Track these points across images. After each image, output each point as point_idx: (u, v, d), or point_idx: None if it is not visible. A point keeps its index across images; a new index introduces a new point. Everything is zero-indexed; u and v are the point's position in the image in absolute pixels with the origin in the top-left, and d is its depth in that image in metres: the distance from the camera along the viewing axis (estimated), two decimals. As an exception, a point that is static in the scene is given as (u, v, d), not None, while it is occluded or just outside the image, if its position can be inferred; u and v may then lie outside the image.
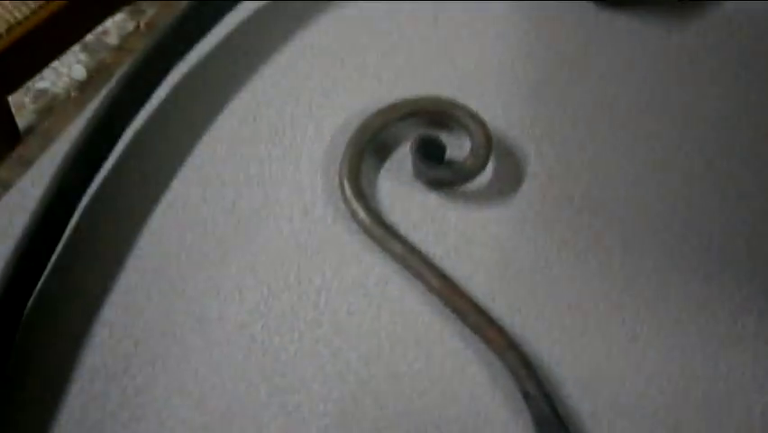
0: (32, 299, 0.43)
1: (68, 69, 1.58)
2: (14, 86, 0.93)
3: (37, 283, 0.43)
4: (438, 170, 0.45)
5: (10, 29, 0.89)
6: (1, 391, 0.40)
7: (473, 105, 0.47)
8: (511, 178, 0.46)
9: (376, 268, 0.44)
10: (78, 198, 0.45)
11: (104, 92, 0.50)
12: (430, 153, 0.45)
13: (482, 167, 0.45)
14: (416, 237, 0.44)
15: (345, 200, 0.45)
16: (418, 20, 0.52)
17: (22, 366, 0.41)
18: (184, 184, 0.46)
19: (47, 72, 1.64)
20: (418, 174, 0.46)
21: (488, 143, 0.45)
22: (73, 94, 0.52)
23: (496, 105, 0.49)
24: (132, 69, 0.47)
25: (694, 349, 0.42)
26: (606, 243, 0.45)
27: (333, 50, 0.51)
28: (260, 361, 0.42)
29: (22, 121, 1.50)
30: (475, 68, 0.50)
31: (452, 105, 0.47)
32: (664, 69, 0.50)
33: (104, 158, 0.46)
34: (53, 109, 1.49)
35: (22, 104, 1.53)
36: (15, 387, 0.41)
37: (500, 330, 0.41)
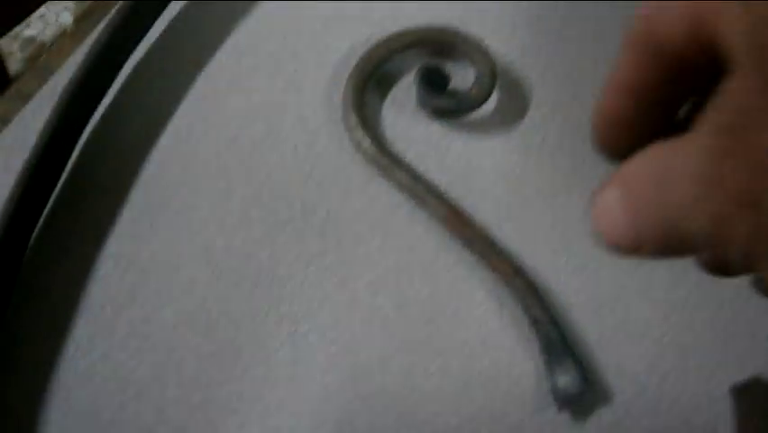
0: (35, 233, 0.42)
1: (56, 16, 1.56)
2: (2, 31, 0.92)
3: (39, 217, 0.43)
4: (442, 99, 0.45)
5: (-1, -29, 0.88)
6: (6, 325, 0.40)
7: (476, 33, 0.47)
8: (516, 106, 0.46)
9: (381, 197, 0.44)
10: (80, 132, 0.44)
11: (102, 24, 0.49)
12: (434, 83, 0.45)
13: (487, 96, 0.45)
14: (421, 166, 0.44)
15: (349, 130, 0.45)
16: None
17: (28, 300, 0.41)
18: (186, 116, 0.46)
19: (34, 20, 1.63)
20: (422, 104, 0.45)
21: (492, 72, 0.45)
22: (69, 29, 0.51)
23: (500, 33, 0.48)
24: (131, 1, 0.46)
25: (701, 275, 0.42)
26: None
27: None
28: (267, 290, 0.42)
29: (11, 68, 1.49)
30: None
31: (457, 34, 0.46)
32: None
33: (104, 90, 0.45)
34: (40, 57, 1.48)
35: (11, 51, 1.51)
36: (21, 321, 0.41)
37: (507, 258, 0.41)
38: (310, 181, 0.44)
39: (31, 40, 1.56)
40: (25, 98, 0.49)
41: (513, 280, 0.41)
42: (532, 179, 0.44)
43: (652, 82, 0.26)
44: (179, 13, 0.49)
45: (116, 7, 0.48)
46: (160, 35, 0.48)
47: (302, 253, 0.42)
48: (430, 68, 0.45)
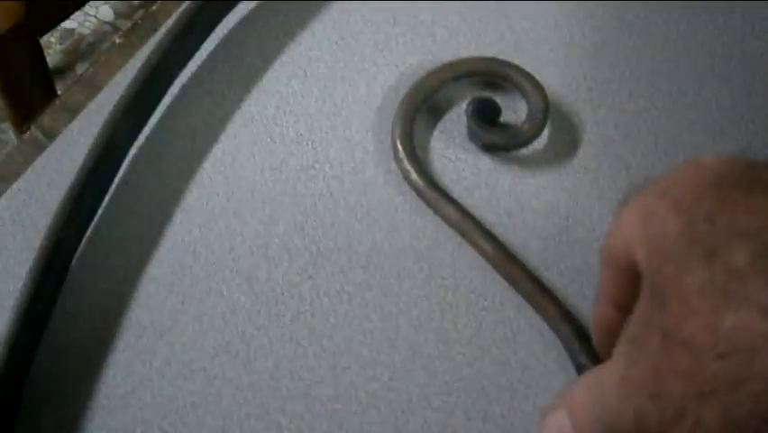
0: (77, 253, 0.42)
1: (96, 10, 1.56)
2: (48, 26, 0.92)
3: (83, 238, 0.42)
4: (494, 134, 0.44)
5: (44, -31, 0.88)
6: (46, 344, 0.40)
7: (529, 66, 0.46)
8: (567, 142, 0.45)
9: (428, 231, 0.43)
10: (126, 151, 0.44)
11: (152, 41, 0.49)
12: (485, 116, 0.44)
13: (539, 132, 0.44)
14: (469, 201, 0.44)
15: (398, 161, 0.44)
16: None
17: (68, 321, 0.41)
18: (232, 139, 0.45)
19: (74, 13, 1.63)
20: (473, 137, 0.45)
21: (545, 108, 0.44)
22: (118, 41, 0.51)
23: (552, 67, 0.47)
24: (182, 20, 0.45)
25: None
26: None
27: (386, 7, 0.50)
28: (308, 322, 0.41)
29: (50, 60, 1.49)
30: (532, 28, 0.49)
31: (510, 66, 0.45)
32: (728, 38, 0.49)
33: (152, 110, 0.45)
34: (79, 50, 1.48)
35: (49, 44, 1.51)
36: (61, 342, 0.40)
37: (554, 300, 0.41)
38: (356, 212, 0.43)
39: (70, 32, 1.56)
40: (70, 112, 0.48)
41: (560, 323, 0.40)
42: (581, 220, 0.43)
43: (626, 293, 0.30)
44: (228, 35, 0.49)
45: (165, 27, 0.48)
46: (209, 55, 0.48)
47: (345, 285, 0.42)
48: (481, 100, 0.45)
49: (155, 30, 0.51)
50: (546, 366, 0.40)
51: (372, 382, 0.40)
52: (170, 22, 0.49)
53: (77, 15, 1.54)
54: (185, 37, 0.46)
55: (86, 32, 1.50)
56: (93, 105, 0.47)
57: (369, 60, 0.48)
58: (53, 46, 1.49)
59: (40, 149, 0.47)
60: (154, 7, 0.53)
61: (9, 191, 0.44)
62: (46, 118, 0.49)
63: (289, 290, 0.42)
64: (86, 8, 1.54)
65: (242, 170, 0.45)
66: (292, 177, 0.44)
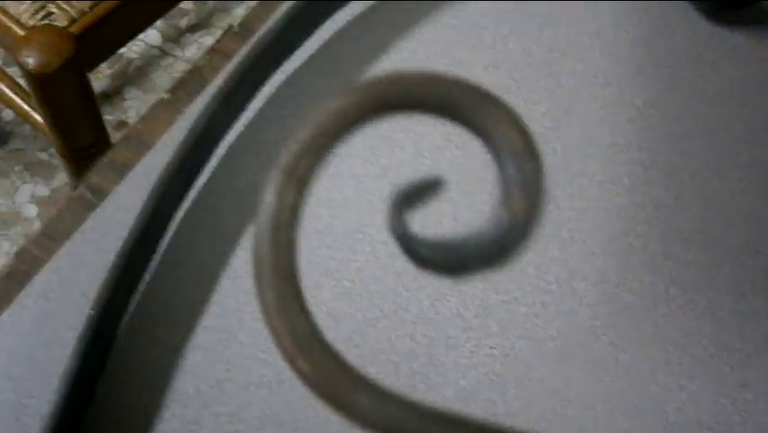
0: (125, 319, 0.42)
1: (144, 33, 1.58)
2: (96, 63, 0.93)
3: (129, 305, 0.42)
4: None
5: (94, 5, 0.89)
6: (93, 414, 0.40)
7: (576, 127, 0.45)
8: (616, 208, 0.44)
9: (476, 300, 0.42)
10: (173, 216, 0.44)
11: (199, 100, 0.49)
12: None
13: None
14: (518, 266, 0.43)
15: (445, 226, 0.43)
16: (523, 24, 0.50)
17: (113, 388, 0.41)
18: (279, 201, 0.45)
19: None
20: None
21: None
22: (165, 96, 0.51)
23: (602, 126, 0.47)
24: (228, 82, 0.45)
25: (808, 401, 0.40)
26: (716, 281, 0.43)
27: (434, 62, 0.49)
28: (354, 392, 0.41)
29: (97, 85, 1.51)
30: (581, 87, 0.48)
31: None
32: (782, 93, 0.48)
33: (198, 173, 0.45)
34: (127, 74, 1.50)
35: (97, 69, 1.53)
36: (107, 409, 0.40)
37: (604, 373, 0.40)
38: (402, 278, 0.43)
39: (118, 56, 1.58)
40: (118, 169, 0.49)
41: (610, 398, 0.39)
42: (632, 288, 0.42)
43: None
44: (274, 94, 0.48)
45: (212, 86, 0.48)
46: (256, 115, 0.48)
47: (392, 353, 0.41)
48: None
49: (201, 85, 0.51)
50: (596, 442, 0.39)
51: (419, 455, 0.39)
52: (217, 81, 0.50)
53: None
54: (231, 100, 0.46)
55: (134, 56, 1.52)
56: (140, 167, 0.47)
57: (415, 120, 0.47)
58: (101, 71, 1.51)
59: (88, 207, 0.47)
60: (201, 62, 0.53)
61: (57, 255, 0.44)
62: (94, 176, 0.49)
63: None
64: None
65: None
66: (337, 240, 0.44)
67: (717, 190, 0.45)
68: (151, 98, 1.44)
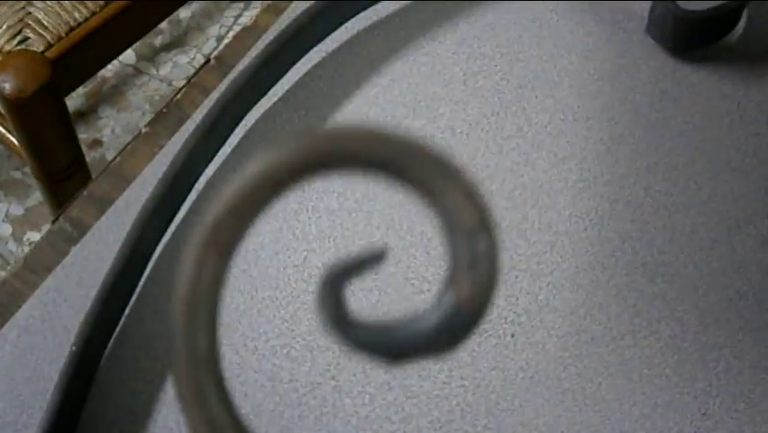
0: (105, 354, 0.43)
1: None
2: (73, 87, 0.94)
3: (111, 339, 0.43)
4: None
5: (70, 30, 0.90)
6: (76, 446, 0.41)
7: (545, 162, 0.47)
8: (583, 241, 0.46)
9: (448, 332, 0.44)
10: (153, 250, 0.45)
11: (178, 136, 0.50)
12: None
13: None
14: (488, 300, 0.44)
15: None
16: (493, 60, 0.51)
17: (96, 424, 0.42)
18: (255, 237, 0.46)
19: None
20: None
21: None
22: (144, 130, 0.52)
23: (570, 161, 0.48)
24: (208, 119, 0.47)
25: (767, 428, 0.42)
26: (679, 313, 0.44)
27: (405, 98, 0.51)
28: (330, 423, 0.42)
29: (71, 103, 1.51)
30: (550, 121, 0.50)
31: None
32: (744, 130, 0.49)
33: (178, 208, 0.46)
34: (101, 93, 1.50)
35: (72, 86, 1.53)
36: (90, 442, 0.41)
37: (572, 403, 0.41)
38: (377, 310, 0.44)
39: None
40: (98, 203, 0.50)
41: (578, 427, 0.41)
42: (598, 319, 0.44)
43: None
44: (250, 129, 0.50)
45: (191, 121, 0.49)
46: (232, 150, 0.49)
47: (367, 385, 0.43)
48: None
49: (180, 119, 0.52)
50: (565, 470, 0.41)
51: (394, 484, 0.41)
52: (195, 115, 0.51)
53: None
54: (209, 136, 0.47)
55: (109, 74, 1.52)
56: (120, 201, 0.48)
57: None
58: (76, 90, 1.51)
59: (68, 241, 0.48)
60: (179, 96, 0.54)
61: (39, 290, 0.45)
62: (74, 209, 0.50)
63: (312, 390, 0.42)
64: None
65: (265, 268, 0.45)
66: (314, 274, 0.45)
67: (681, 224, 0.46)
68: (126, 117, 1.45)
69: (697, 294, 0.45)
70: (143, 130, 0.52)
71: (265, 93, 0.50)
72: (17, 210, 1.39)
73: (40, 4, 0.90)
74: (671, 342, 0.43)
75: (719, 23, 0.50)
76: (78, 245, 0.47)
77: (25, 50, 0.88)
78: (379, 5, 0.53)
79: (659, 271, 0.45)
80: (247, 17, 1.55)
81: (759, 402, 0.42)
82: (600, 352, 0.43)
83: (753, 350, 0.43)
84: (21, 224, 1.38)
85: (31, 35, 0.89)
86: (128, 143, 0.52)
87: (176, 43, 1.55)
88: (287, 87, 0.51)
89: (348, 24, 0.52)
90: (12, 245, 1.35)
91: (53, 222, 0.50)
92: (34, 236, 1.36)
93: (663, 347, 0.43)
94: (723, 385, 0.42)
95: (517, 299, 0.45)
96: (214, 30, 1.56)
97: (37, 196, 1.40)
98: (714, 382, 0.42)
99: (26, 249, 1.35)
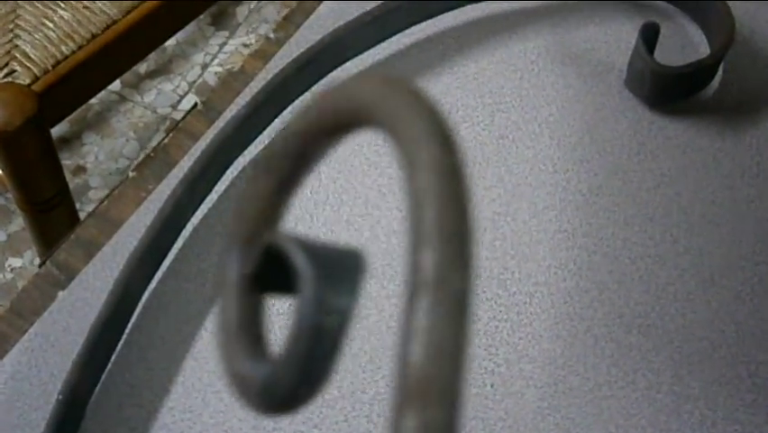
0: (90, 401, 0.44)
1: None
2: (59, 119, 0.95)
3: (97, 386, 0.44)
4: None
5: (57, 63, 0.91)
6: (62, 493, 0.42)
7: (525, 212, 0.48)
8: (562, 292, 0.47)
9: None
10: (140, 298, 0.46)
11: (165, 183, 0.51)
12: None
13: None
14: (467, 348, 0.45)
15: (400, 310, 0.46)
16: (475, 111, 0.53)
17: (82, 468, 0.42)
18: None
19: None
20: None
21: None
22: (131, 174, 0.53)
23: (550, 212, 0.49)
24: (196, 167, 0.47)
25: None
26: (655, 364, 0.45)
27: (386, 149, 0.52)
28: (313, 472, 0.43)
29: (55, 130, 1.51)
30: (530, 172, 0.51)
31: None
32: (719, 183, 0.51)
33: (164, 256, 0.47)
34: (86, 119, 1.51)
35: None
36: (75, 489, 0.42)
37: (550, 454, 0.42)
38: (360, 358, 0.45)
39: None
40: (85, 246, 0.50)
41: (555, 478, 0.41)
42: (576, 370, 0.45)
43: None
44: (237, 176, 0.51)
45: (178, 168, 0.50)
46: (219, 197, 0.50)
47: (348, 432, 0.43)
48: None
49: (168, 164, 0.53)
50: None
51: None
52: (182, 161, 0.52)
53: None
54: (197, 184, 0.48)
55: (94, 101, 1.52)
56: (108, 247, 0.49)
57: (372, 204, 0.50)
58: (60, 115, 1.52)
59: (55, 285, 0.49)
60: (166, 140, 0.55)
61: (27, 335, 0.46)
62: (62, 253, 0.50)
63: (295, 439, 0.43)
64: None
65: (250, 316, 0.46)
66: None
67: (657, 276, 0.48)
68: (110, 144, 1.45)
69: (672, 346, 0.46)
70: (131, 174, 0.53)
71: (252, 141, 0.50)
72: (-1, 236, 1.39)
73: (27, 37, 0.91)
74: (646, 393, 0.45)
75: (696, 77, 0.52)
76: (66, 291, 0.47)
77: (11, 82, 0.88)
78: (365, 54, 0.54)
79: (635, 323, 0.46)
80: (232, 46, 1.56)
81: (732, 453, 0.43)
82: (578, 402, 0.44)
83: (726, 402, 0.44)
84: (2, 249, 1.38)
85: (17, 68, 0.90)
86: (115, 187, 0.53)
87: (161, 71, 1.56)
88: (272, 133, 0.52)
89: (333, 74, 0.53)
90: (-7, 272, 1.35)
91: (40, 265, 0.50)
92: (16, 262, 1.36)
93: (640, 398, 0.44)
94: (697, 436, 0.43)
95: (497, 349, 0.45)
96: (198, 57, 1.57)
97: (20, 221, 1.40)
98: (688, 434, 0.44)
99: (8, 276, 1.35)
